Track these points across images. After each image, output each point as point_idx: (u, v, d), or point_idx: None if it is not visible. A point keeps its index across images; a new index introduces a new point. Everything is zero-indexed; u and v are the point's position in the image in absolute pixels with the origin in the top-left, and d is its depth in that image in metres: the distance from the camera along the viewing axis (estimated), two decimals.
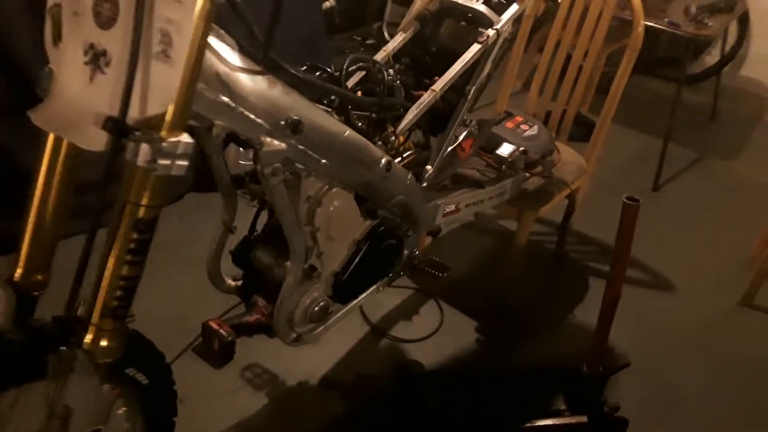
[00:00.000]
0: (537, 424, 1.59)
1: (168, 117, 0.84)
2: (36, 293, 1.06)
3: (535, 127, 1.94)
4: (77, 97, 0.87)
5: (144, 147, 0.83)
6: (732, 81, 3.72)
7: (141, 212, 0.88)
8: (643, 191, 2.83)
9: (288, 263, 1.25)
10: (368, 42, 3.73)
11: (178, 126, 0.86)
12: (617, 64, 2.05)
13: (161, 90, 0.82)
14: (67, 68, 0.88)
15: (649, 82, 3.76)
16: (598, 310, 1.57)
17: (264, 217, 1.41)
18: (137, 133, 0.82)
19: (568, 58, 2.14)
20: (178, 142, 0.85)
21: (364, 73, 1.40)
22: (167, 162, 0.85)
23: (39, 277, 1.05)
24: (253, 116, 1.02)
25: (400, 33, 1.51)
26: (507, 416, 1.63)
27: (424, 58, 1.52)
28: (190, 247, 1.95)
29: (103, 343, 0.94)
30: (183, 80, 0.82)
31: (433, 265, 1.59)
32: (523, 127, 1.93)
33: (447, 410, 1.69)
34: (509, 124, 1.93)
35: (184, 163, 0.87)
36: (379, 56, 1.46)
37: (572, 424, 1.59)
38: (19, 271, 1.05)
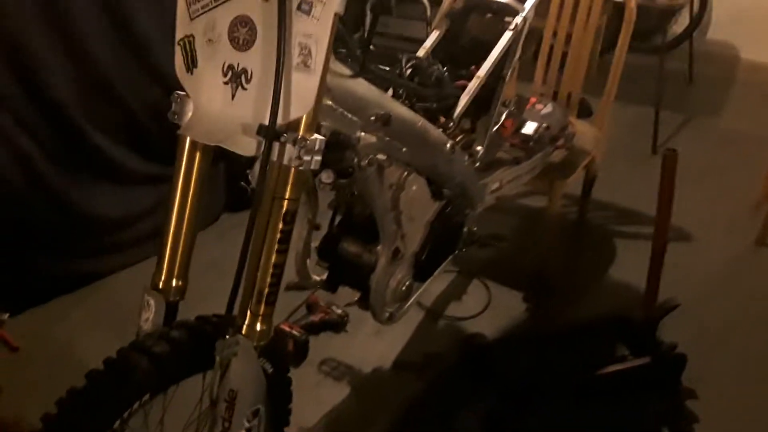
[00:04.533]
0: (607, 370, 1.73)
1: (306, 119, 0.97)
2: (177, 299, 1.15)
3: (549, 105, 2.10)
4: (221, 112, 0.99)
5: (289, 147, 0.96)
6: (701, 45, 3.95)
7: (286, 205, 1.01)
8: (644, 155, 3.03)
9: (378, 247, 1.38)
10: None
11: (312, 127, 0.99)
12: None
13: (303, 96, 0.95)
14: (206, 90, 1.01)
15: None
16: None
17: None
18: (285, 135, 0.95)
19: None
20: (316, 139, 0.98)
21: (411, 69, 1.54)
22: (308, 158, 0.98)
23: (179, 284, 1.13)
24: (350, 115, 1.16)
25: (435, 30, 1.66)
26: (576, 368, 1.78)
27: (457, 51, 1.67)
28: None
29: (259, 327, 1.06)
30: (319, 85, 0.95)
31: (491, 237, 1.73)
32: (538, 106, 2.09)
33: (518, 371, 1.82)
34: (526, 106, 2.10)
35: (319, 158, 1.00)
36: (421, 53, 1.60)
37: (638, 365, 1.74)
38: (162, 279, 1.12)
